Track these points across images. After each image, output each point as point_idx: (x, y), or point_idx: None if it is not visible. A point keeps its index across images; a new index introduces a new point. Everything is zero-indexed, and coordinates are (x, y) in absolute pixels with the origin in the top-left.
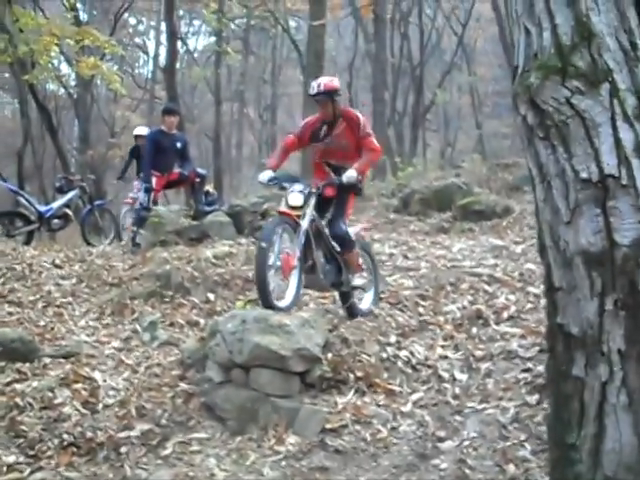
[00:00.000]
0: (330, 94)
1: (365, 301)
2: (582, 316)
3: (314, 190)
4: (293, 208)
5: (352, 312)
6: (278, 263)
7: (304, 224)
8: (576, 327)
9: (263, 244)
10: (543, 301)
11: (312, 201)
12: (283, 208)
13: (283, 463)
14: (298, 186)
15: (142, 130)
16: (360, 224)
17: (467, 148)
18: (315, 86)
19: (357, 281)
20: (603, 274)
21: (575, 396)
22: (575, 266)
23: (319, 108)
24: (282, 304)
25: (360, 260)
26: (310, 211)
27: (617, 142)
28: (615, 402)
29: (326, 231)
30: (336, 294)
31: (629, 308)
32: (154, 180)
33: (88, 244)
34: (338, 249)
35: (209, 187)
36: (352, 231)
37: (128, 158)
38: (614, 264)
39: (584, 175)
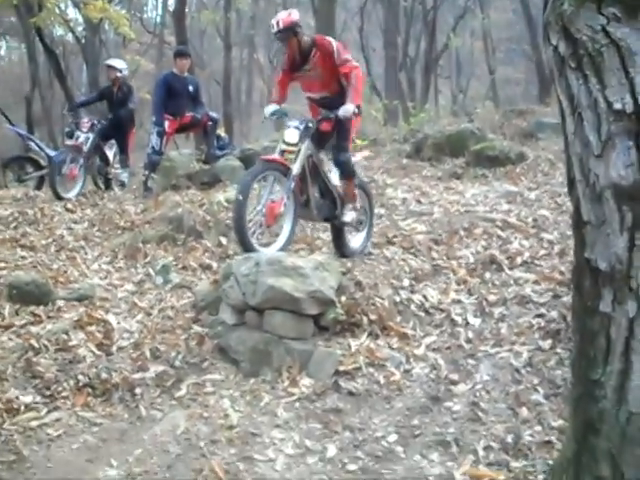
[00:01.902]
0: (291, 29)
1: (356, 240)
2: (611, 251)
3: (310, 125)
4: (289, 145)
5: (343, 250)
6: (263, 210)
7: (295, 169)
8: (604, 262)
9: (240, 197)
10: (557, 247)
11: (307, 140)
12: (270, 155)
13: (297, 405)
14: (294, 122)
15: (117, 62)
16: (359, 153)
17: (479, 95)
18: (274, 25)
19: (348, 216)
20: (634, 208)
21: (601, 332)
22: (605, 200)
23: (284, 46)
24: (273, 248)
25: (356, 190)
26: (304, 152)
27: None
28: None
29: (323, 166)
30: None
31: None
32: (167, 124)
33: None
34: (336, 182)
35: (220, 131)
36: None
37: (95, 95)
38: None
39: (617, 106)
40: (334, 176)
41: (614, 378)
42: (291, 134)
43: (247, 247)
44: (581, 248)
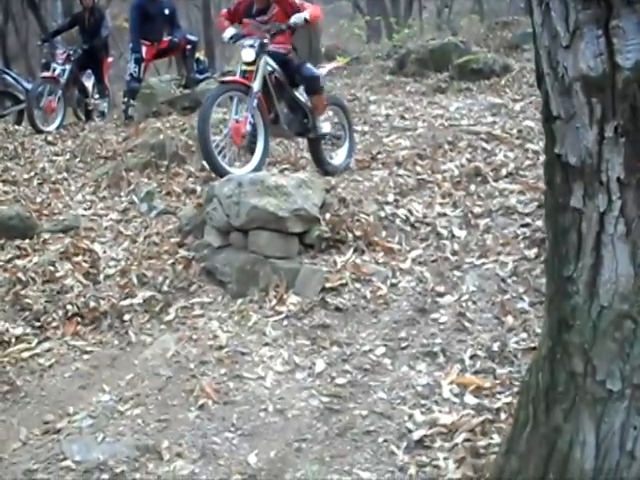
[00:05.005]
0: None
1: (339, 157)
2: (581, 145)
3: (265, 41)
4: (247, 64)
5: (324, 167)
6: (230, 132)
7: (255, 86)
8: (574, 157)
9: (200, 122)
10: (542, 158)
11: (264, 56)
12: (230, 76)
13: (285, 322)
14: (248, 41)
15: None
16: (328, 65)
17: (464, 9)
18: None
19: (324, 128)
20: (603, 100)
21: (573, 228)
22: (574, 93)
23: None
24: (247, 168)
25: (326, 102)
26: (262, 68)
27: None
28: (613, 232)
29: (287, 81)
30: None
31: (629, 134)
32: (144, 50)
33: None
34: (303, 98)
35: (200, 55)
36: (321, 72)
37: (66, 23)
38: (615, 89)
39: None
40: (302, 91)
41: (586, 273)
42: (247, 53)
43: (218, 170)
44: (551, 144)
